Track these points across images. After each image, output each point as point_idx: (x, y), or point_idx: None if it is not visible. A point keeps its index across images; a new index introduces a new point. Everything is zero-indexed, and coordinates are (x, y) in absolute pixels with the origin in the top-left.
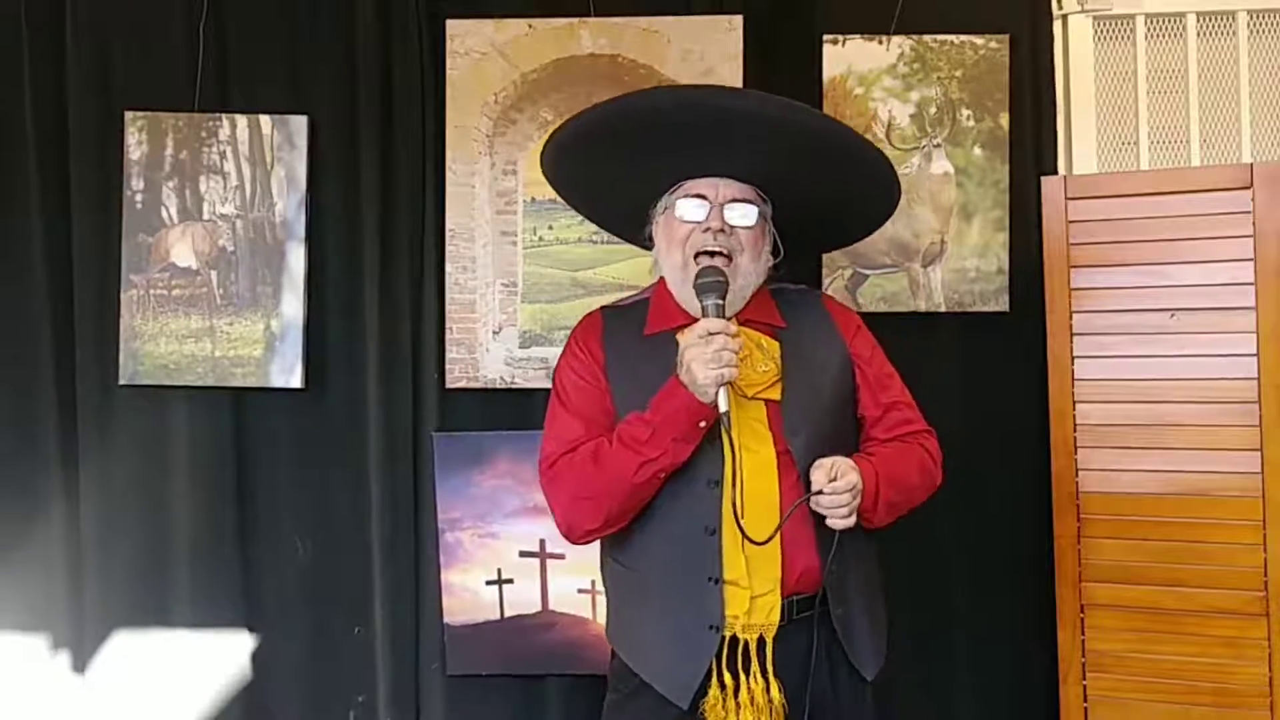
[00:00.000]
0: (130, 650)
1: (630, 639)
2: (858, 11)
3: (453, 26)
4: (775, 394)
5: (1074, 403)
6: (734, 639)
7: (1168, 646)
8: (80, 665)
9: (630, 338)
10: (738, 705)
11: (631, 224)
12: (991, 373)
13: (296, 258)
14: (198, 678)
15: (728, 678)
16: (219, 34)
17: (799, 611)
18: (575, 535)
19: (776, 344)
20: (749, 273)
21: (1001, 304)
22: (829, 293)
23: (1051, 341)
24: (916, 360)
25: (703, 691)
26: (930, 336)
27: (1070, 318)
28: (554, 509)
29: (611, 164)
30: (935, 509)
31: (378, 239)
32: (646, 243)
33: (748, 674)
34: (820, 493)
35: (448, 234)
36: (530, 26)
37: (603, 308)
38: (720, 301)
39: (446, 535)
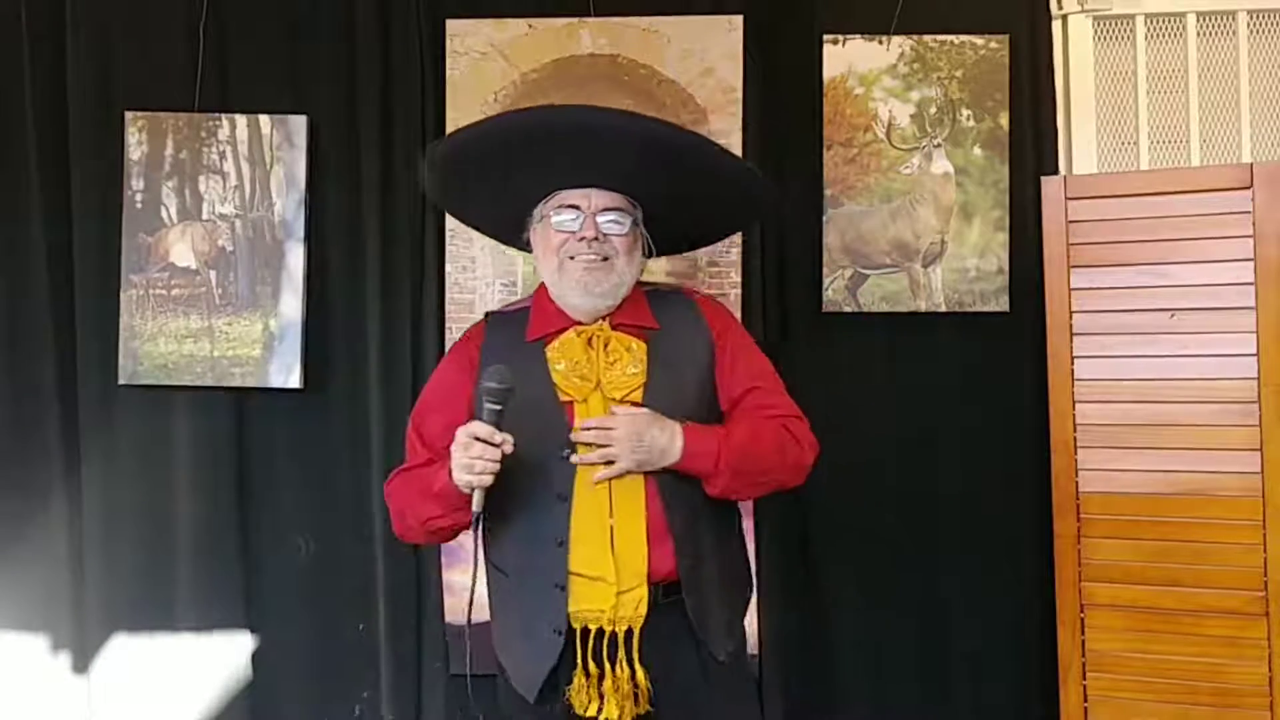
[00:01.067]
0: (131, 650)
1: (497, 634)
2: (858, 11)
3: (453, 26)
4: (639, 396)
5: (1074, 403)
6: (599, 631)
7: (1167, 646)
8: (81, 666)
9: (510, 343)
10: (600, 694)
11: (509, 230)
12: (991, 373)
13: (296, 258)
14: (199, 677)
15: (592, 668)
16: (219, 34)
17: (664, 597)
18: (407, 541)
19: (644, 345)
20: (624, 273)
21: (1001, 304)
22: (829, 293)
23: (1051, 341)
24: (916, 360)
25: (557, 684)
26: (930, 336)
27: (1070, 318)
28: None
29: (488, 178)
30: (935, 509)
31: (377, 239)
32: (525, 248)
33: (613, 664)
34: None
35: (447, 234)
36: (530, 26)
37: (488, 314)
38: (498, 408)
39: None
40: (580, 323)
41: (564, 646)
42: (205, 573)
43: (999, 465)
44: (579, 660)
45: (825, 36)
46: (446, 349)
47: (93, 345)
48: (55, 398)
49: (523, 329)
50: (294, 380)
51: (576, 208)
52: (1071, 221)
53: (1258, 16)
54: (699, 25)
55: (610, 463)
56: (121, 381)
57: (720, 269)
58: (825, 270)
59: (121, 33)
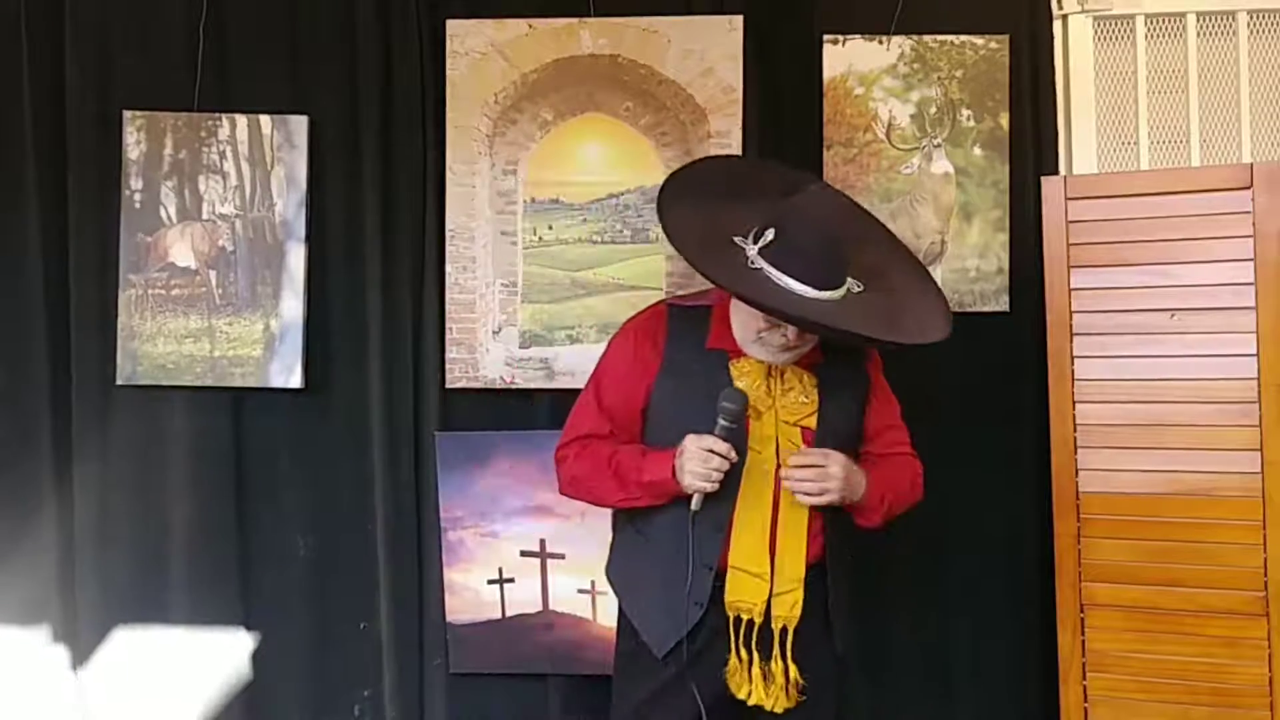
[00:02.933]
0: (129, 650)
1: (631, 589)
2: (858, 11)
3: (453, 26)
4: (812, 422)
5: (1074, 403)
6: (750, 622)
7: (1167, 646)
8: (78, 665)
9: (693, 345)
10: (750, 679)
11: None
12: (991, 373)
13: (296, 258)
14: (199, 677)
15: (743, 654)
16: (219, 34)
17: (812, 582)
18: (570, 498)
19: (814, 378)
20: (802, 349)
21: (1001, 304)
22: None
23: (1051, 341)
24: (917, 360)
25: (687, 649)
26: None
27: (1070, 318)
28: (559, 481)
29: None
30: (936, 508)
31: (378, 239)
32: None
33: (767, 658)
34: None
35: (448, 234)
36: (530, 26)
37: (668, 304)
38: (733, 426)
39: (449, 534)
40: None
41: (701, 619)
42: (203, 573)
43: (999, 465)
44: (733, 645)
45: (825, 36)
46: (446, 349)
47: (90, 345)
48: (50, 398)
49: (703, 331)
50: (295, 380)
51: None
52: (1072, 221)
53: (1258, 16)
54: (699, 25)
55: (821, 493)
56: (119, 382)
57: None
58: None
59: (121, 32)
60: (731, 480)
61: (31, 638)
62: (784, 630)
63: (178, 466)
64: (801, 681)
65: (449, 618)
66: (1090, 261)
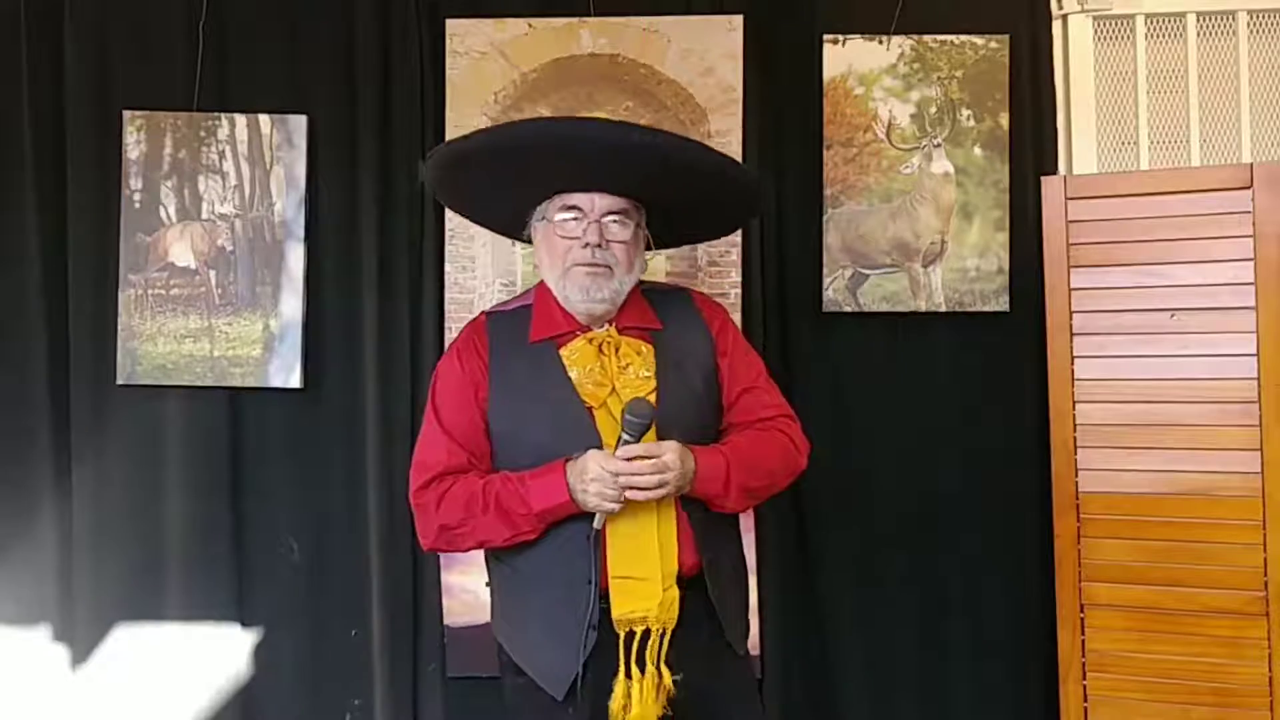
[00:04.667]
0: (126, 649)
1: (508, 632)
2: (858, 11)
3: (453, 26)
4: (653, 399)
5: (1074, 403)
6: (644, 632)
7: (1168, 646)
8: (74, 666)
9: (514, 344)
10: (636, 696)
11: (509, 225)
12: (991, 373)
13: (295, 257)
14: (193, 679)
15: (635, 671)
16: (219, 34)
17: (689, 590)
18: (439, 551)
19: (652, 348)
20: (624, 280)
21: (1001, 304)
22: (829, 292)
23: (1051, 341)
24: (917, 360)
25: (584, 683)
26: (930, 336)
27: (1070, 318)
28: (421, 533)
29: (488, 184)
30: (935, 508)
31: (377, 239)
32: (527, 240)
33: (642, 667)
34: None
35: (447, 234)
36: (530, 26)
37: (486, 313)
38: (634, 440)
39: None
40: (585, 326)
41: (594, 645)
42: (201, 573)
43: (999, 465)
44: (622, 663)
45: (825, 36)
46: (446, 349)
47: (89, 345)
48: (51, 397)
49: (525, 329)
50: (294, 380)
51: (579, 209)
52: (1071, 221)
53: (1258, 16)
54: (699, 25)
55: (659, 485)
56: (119, 381)
57: (720, 269)
58: (825, 270)
59: (120, 32)
60: None
61: (30, 636)
62: (662, 633)
63: (177, 465)
64: (672, 690)
65: (446, 620)
66: (1090, 261)
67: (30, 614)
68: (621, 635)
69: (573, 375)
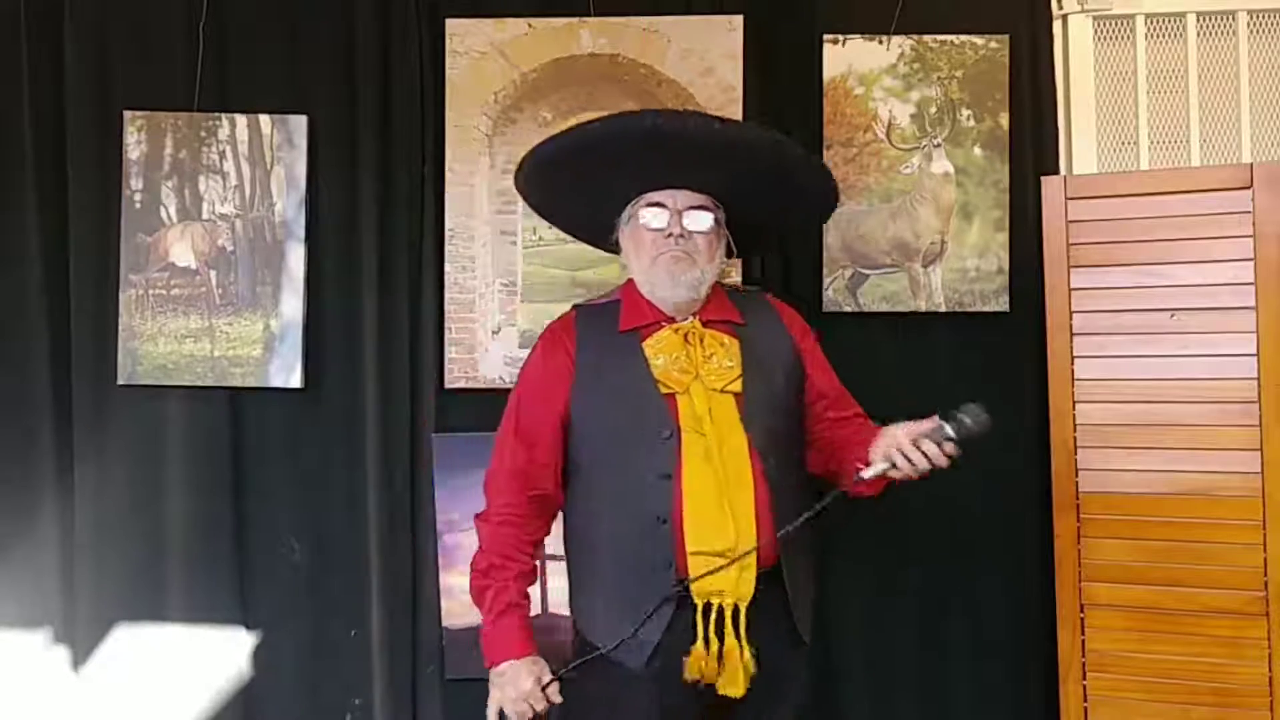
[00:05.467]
0: (127, 650)
1: (585, 614)
2: (858, 11)
3: (453, 26)
4: (738, 387)
5: (1074, 403)
6: (719, 607)
7: (1168, 646)
8: (75, 666)
9: (604, 333)
10: (721, 665)
11: (596, 231)
12: (991, 373)
13: (296, 257)
14: (194, 680)
15: (714, 641)
16: (219, 34)
17: (765, 581)
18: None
19: (736, 341)
20: (706, 273)
21: (1001, 304)
22: (829, 292)
23: (1051, 341)
24: (917, 360)
25: (660, 652)
26: (930, 336)
27: (1070, 318)
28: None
29: (581, 180)
30: (935, 508)
31: (377, 239)
32: (614, 248)
33: (721, 640)
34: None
35: (447, 234)
36: (530, 26)
37: (576, 306)
38: (958, 435)
39: (445, 537)
40: (671, 318)
41: (671, 616)
42: (202, 573)
43: (999, 465)
44: (701, 634)
45: (825, 36)
46: (445, 349)
47: (90, 345)
48: (52, 397)
49: (614, 321)
50: (295, 380)
51: (663, 206)
52: (1071, 221)
53: (1258, 16)
54: (699, 25)
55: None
56: (120, 381)
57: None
58: (825, 270)
59: (121, 32)
60: (665, 463)
61: (32, 636)
62: (735, 609)
63: (178, 465)
64: (751, 666)
65: (445, 622)
66: (1090, 261)
67: (31, 614)
68: (699, 605)
69: (658, 363)
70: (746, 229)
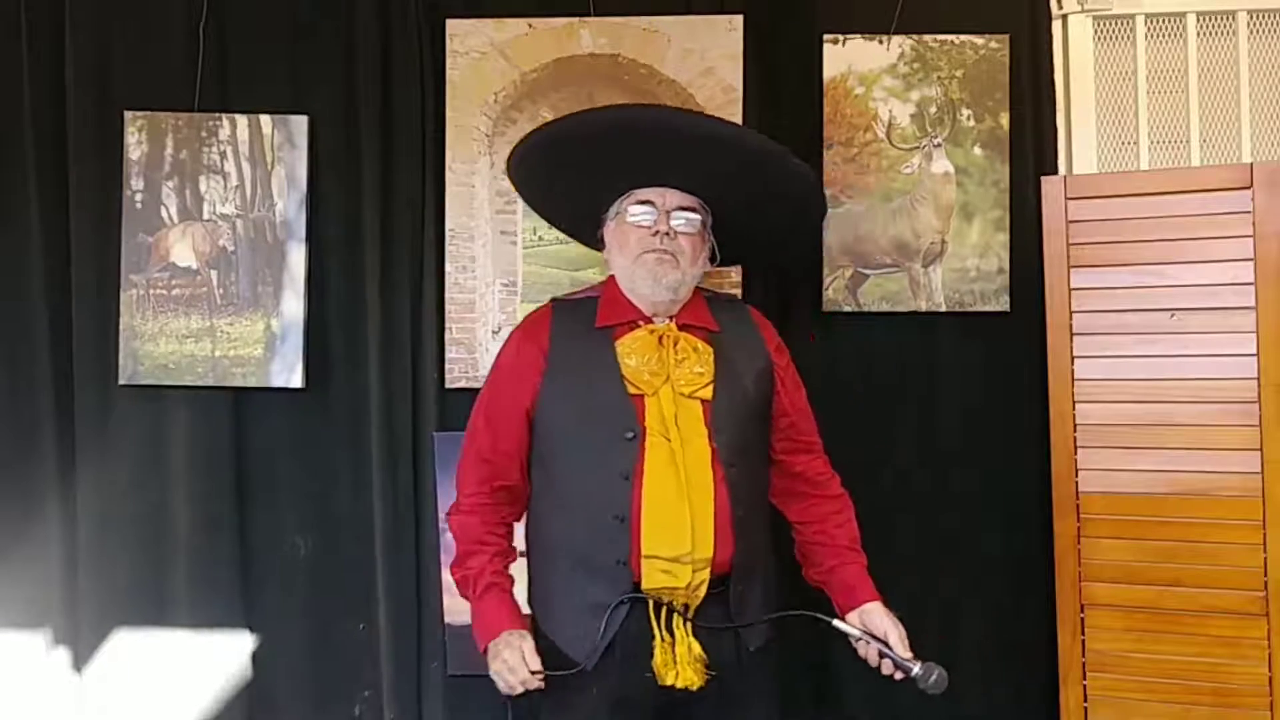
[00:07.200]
0: (129, 651)
1: (543, 613)
2: (858, 11)
3: (453, 26)
4: (708, 394)
5: (1074, 403)
6: (658, 603)
7: (1168, 646)
8: (78, 666)
9: (578, 329)
10: (675, 659)
11: (582, 225)
12: (991, 373)
13: (297, 258)
14: (198, 677)
15: (666, 636)
16: (219, 34)
17: (713, 588)
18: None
19: (710, 349)
20: (688, 275)
21: (1001, 304)
22: (829, 292)
23: (1051, 341)
24: (917, 360)
25: (612, 652)
26: (930, 336)
27: (1070, 318)
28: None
29: (573, 171)
30: (935, 508)
31: (378, 238)
32: (597, 244)
33: (674, 637)
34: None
35: (448, 234)
36: (530, 26)
37: (554, 300)
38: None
39: (447, 534)
40: (649, 318)
41: (625, 617)
42: (204, 573)
43: (999, 465)
44: (656, 629)
45: (825, 36)
46: (446, 349)
47: (91, 345)
48: (53, 398)
49: (590, 316)
50: (296, 380)
51: (651, 204)
52: (1071, 221)
53: (1258, 16)
54: (699, 25)
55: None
56: (121, 381)
57: (721, 269)
58: (825, 270)
59: (121, 32)
60: (626, 464)
61: (33, 638)
62: (685, 607)
63: (179, 466)
64: (704, 658)
65: (447, 619)
66: (1090, 261)
67: (33, 615)
68: (651, 604)
69: (629, 364)
70: (733, 237)
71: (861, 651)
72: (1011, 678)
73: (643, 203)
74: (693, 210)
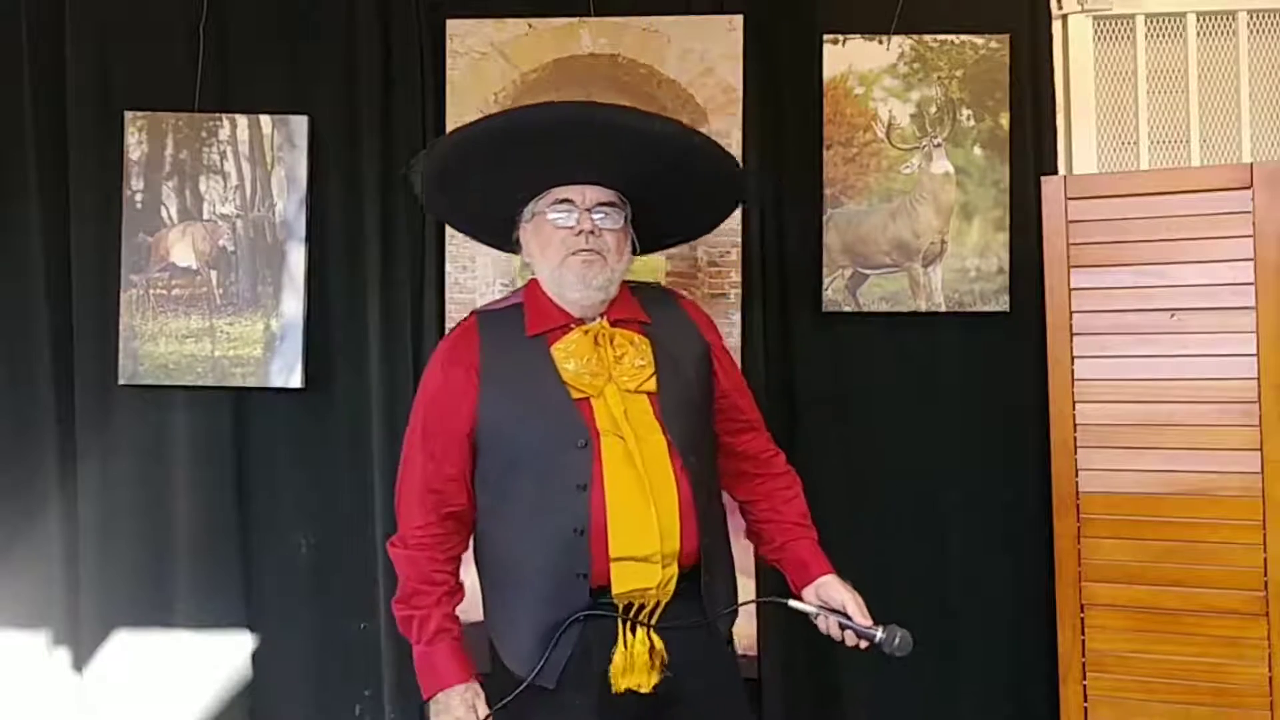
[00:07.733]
0: (130, 650)
1: (499, 631)
2: (858, 11)
3: (453, 26)
4: (653, 386)
5: (1074, 403)
6: (629, 605)
7: (1168, 646)
8: (79, 664)
9: (509, 340)
10: (632, 664)
11: (497, 231)
12: (991, 373)
13: (297, 257)
14: (200, 676)
15: (631, 642)
16: (219, 34)
17: (683, 579)
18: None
19: (647, 341)
20: (615, 271)
21: (1001, 304)
22: (829, 292)
23: (1051, 341)
24: (917, 360)
25: (572, 668)
26: (930, 336)
27: (1070, 318)
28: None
29: (481, 179)
30: (935, 508)
31: (378, 238)
32: (514, 247)
33: (634, 635)
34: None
35: (447, 234)
36: (530, 26)
37: (476, 312)
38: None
39: None
40: (579, 320)
41: (584, 628)
42: (204, 573)
43: (999, 465)
44: (621, 635)
45: (825, 36)
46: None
47: (91, 345)
48: (53, 398)
49: (519, 324)
50: (295, 380)
51: (570, 201)
52: (1071, 221)
53: (1258, 16)
54: (699, 25)
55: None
56: (121, 381)
57: (720, 269)
58: (825, 270)
59: (121, 32)
60: (581, 474)
61: (33, 638)
62: (656, 605)
63: (179, 466)
64: (665, 656)
65: None
66: (1090, 261)
67: (34, 615)
68: (620, 607)
69: (568, 368)
70: (649, 224)
71: (822, 627)
72: (1012, 678)
73: (561, 201)
74: (613, 204)
